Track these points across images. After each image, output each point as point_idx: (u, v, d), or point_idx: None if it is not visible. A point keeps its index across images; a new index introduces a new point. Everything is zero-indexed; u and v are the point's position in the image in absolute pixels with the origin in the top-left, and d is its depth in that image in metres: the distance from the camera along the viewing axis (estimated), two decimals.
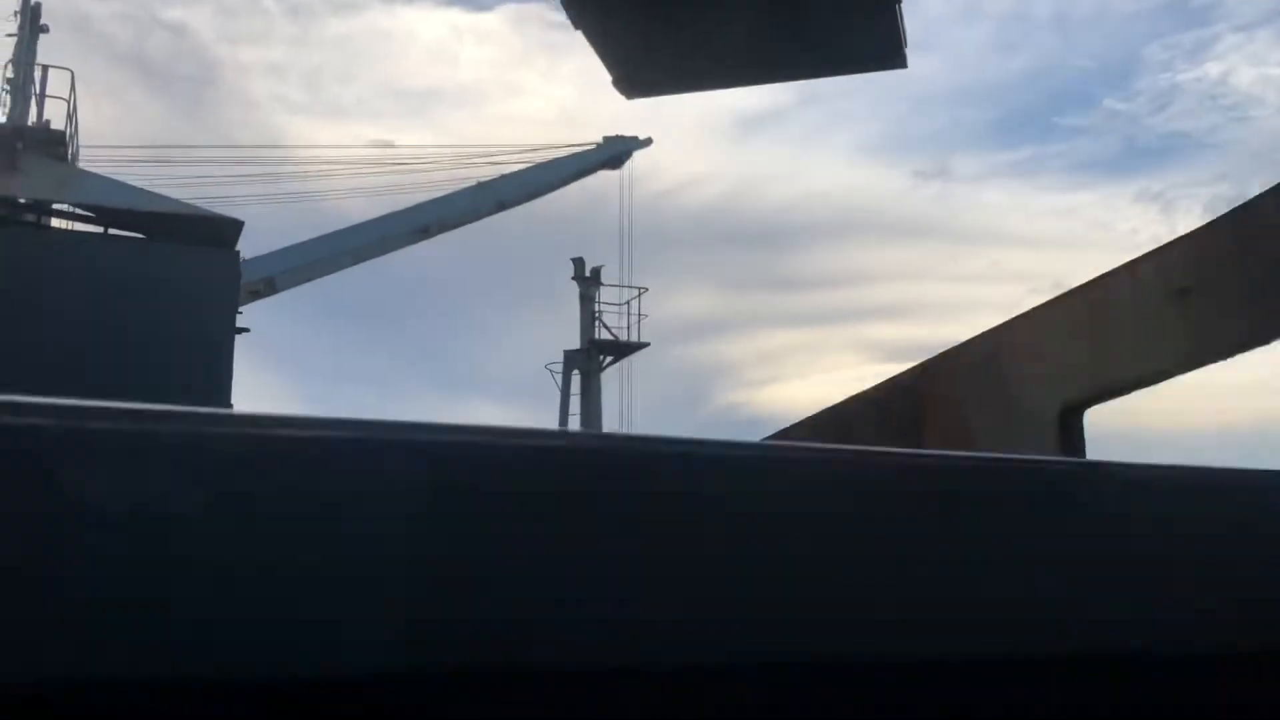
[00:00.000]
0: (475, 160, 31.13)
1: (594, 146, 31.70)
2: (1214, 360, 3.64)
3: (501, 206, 30.60)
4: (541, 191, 31.44)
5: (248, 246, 32.88)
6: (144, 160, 30.93)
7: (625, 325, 30.92)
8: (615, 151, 31.81)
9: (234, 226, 22.11)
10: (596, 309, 30.96)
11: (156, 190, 23.97)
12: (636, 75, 6.32)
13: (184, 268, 21.02)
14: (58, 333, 19.04)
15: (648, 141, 32.80)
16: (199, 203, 30.03)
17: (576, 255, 31.43)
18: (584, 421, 30.51)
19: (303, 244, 34.15)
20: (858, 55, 6.23)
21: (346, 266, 35.24)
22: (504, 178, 30.37)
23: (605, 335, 30.85)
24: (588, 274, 31.23)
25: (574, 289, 31.40)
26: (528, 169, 30.92)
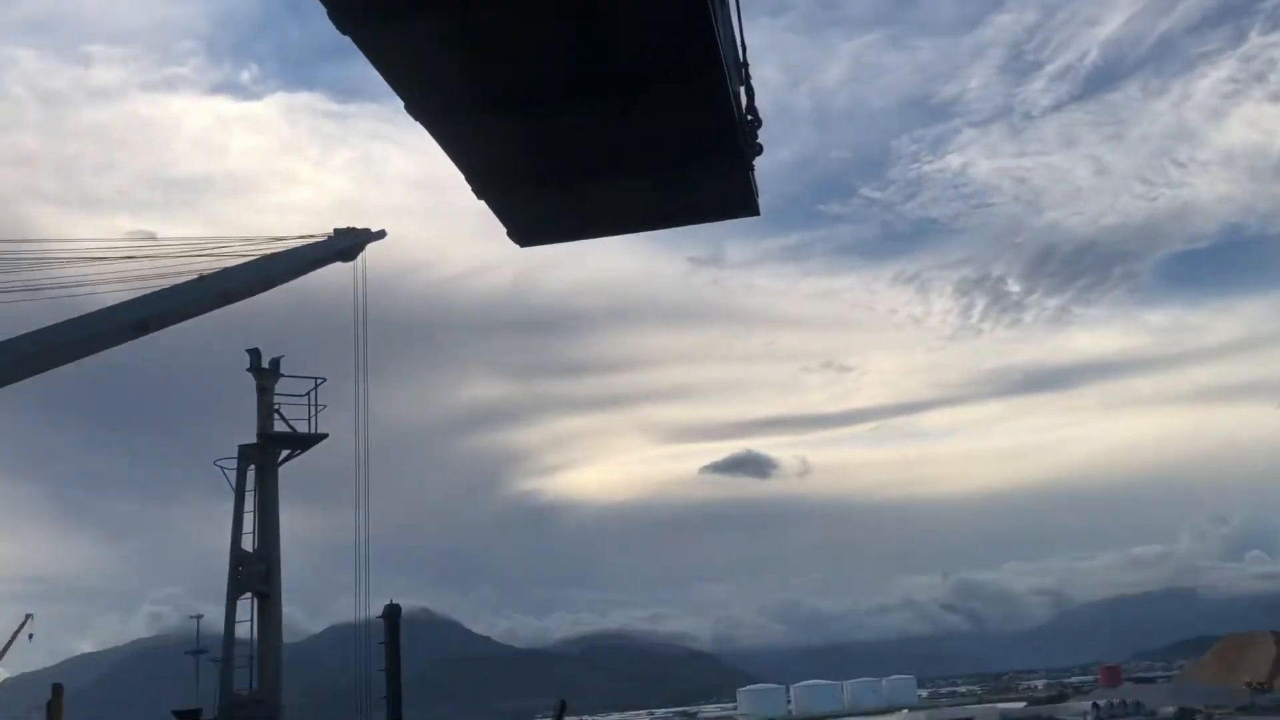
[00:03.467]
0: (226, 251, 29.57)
1: (324, 238, 30.10)
2: None
3: (228, 299, 29.03)
4: (272, 283, 29.73)
5: None
6: None
7: (307, 417, 28.63)
8: (347, 244, 30.25)
9: None
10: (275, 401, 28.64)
11: None
12: (530, 231, 7.16)
13: None
14: None
15: (380, 234, 31.04)
16: None
17: (257, 348, 29.45)
18: (259, 518, 27.96)
19: (3, 342, 32.14)
20: (719, 206, 6.88)
21: (56, 365, 33.03)
22: (227, 270, 28.65)
23: (283, 428, 28.54)
24: (265, 365, 29.12)
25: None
26: (253, 261, 29.26)
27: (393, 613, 23.43)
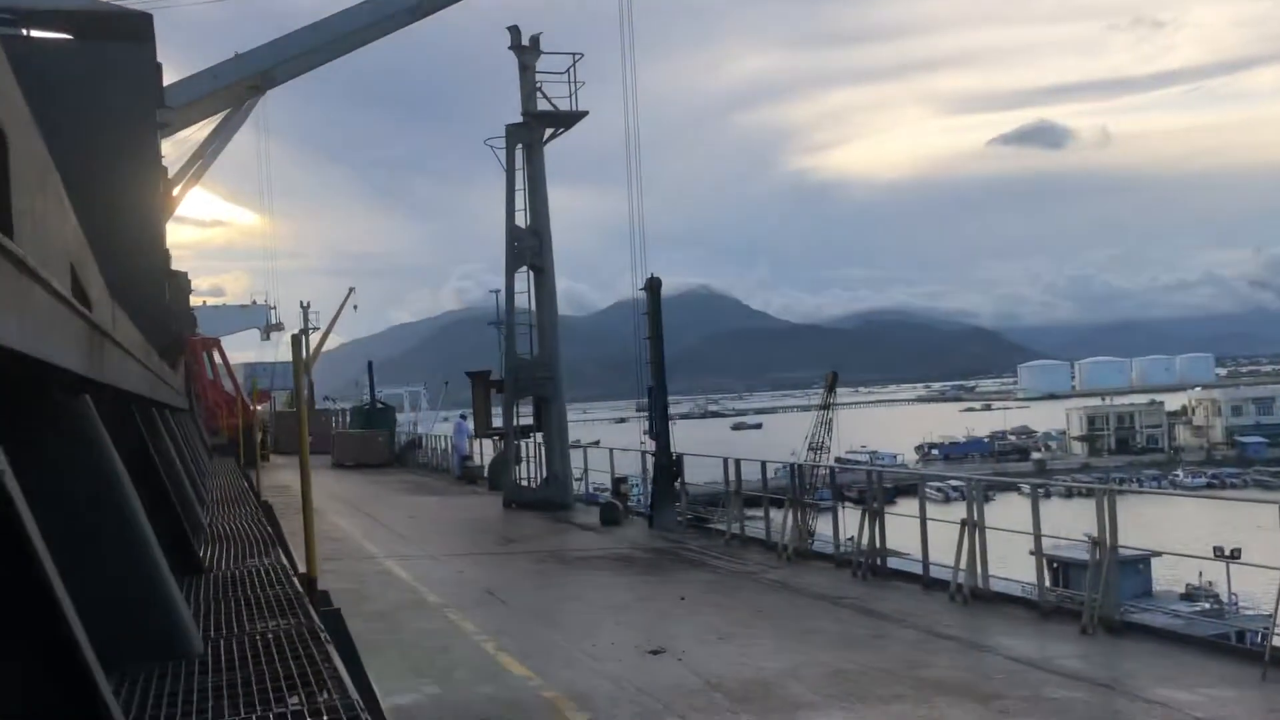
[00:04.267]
0: None
1: None
2: None
3: None
4: None
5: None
6: None
7: (568, 95, 28.40)
8: None
9: (145, 20, 21.97)
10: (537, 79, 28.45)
11: None
12: None
13: (109, 67, 21.03)
14: None
15: None
16: None
17: (515, 26, 28.59)
18: (531, 196, 28.52)
19: (294, 33, 34.70)
20: None
21: (343, 53, 35.69)
22: None
23: (545, 106, 28.44)
24: (525, 43, 28.45)
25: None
26: None
27: (653, 285, 24.32)
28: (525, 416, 28.99)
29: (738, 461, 21.39)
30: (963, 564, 14.64)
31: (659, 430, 23.86)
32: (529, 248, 28.50)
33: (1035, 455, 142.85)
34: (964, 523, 14.72)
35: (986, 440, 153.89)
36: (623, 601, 14.68)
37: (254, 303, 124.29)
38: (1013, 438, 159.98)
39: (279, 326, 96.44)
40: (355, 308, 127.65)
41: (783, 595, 15.25)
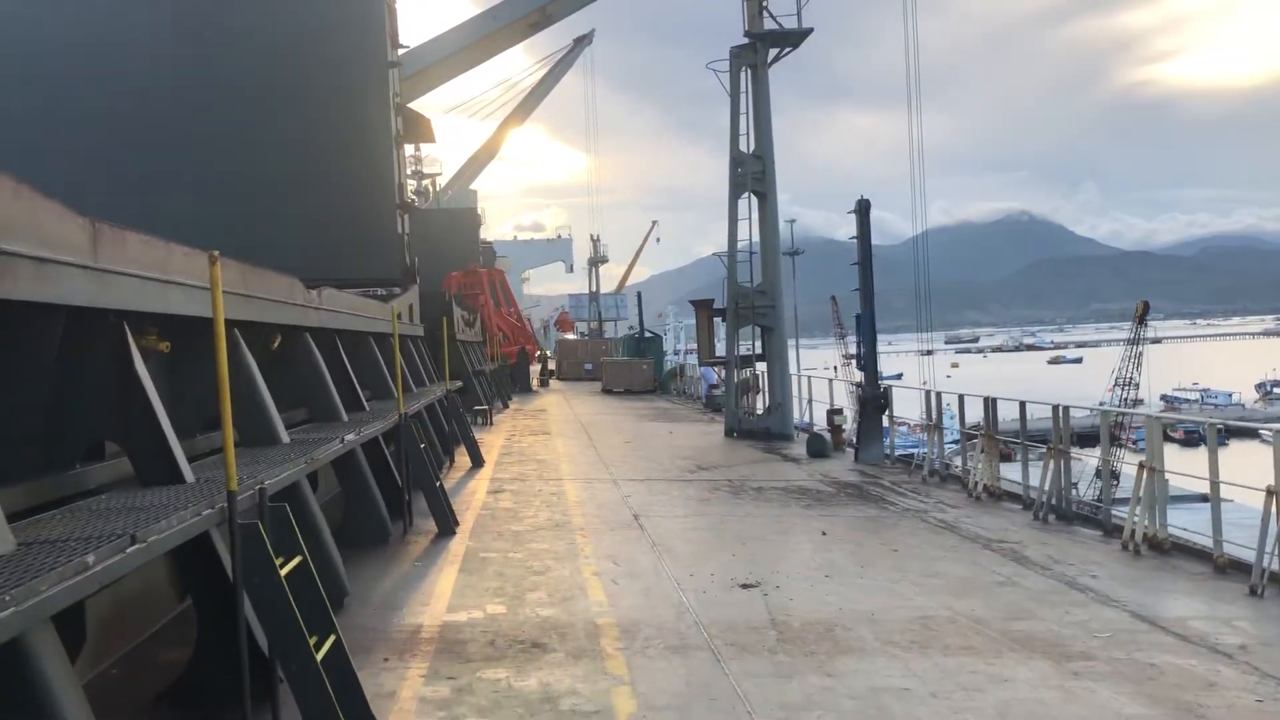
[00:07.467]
0: None
1: None
2: None
3: None
4: None
5: None
6: None
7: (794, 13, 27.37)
8: None
9: None
10: None
11: None
12: None
13: (339, 10, 25.19)
14: (236, 68, 24.01)
15: None
16: None
17: None
18: (755, 119, 27.74)
19: None
20: None
21: None
22: None
23: (770, 25, 27.48)
24: None
25: None
26: None
27: (862, 207, 23.15)
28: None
29: (939, 395, 20.24)
30: (1138, 510, 13.17)
31: (867, 361, 22.91)
32: (752, 173, 27.93)
33: None
34: (1141, 465, 13.21)
35: None
36: (760, 533, 14.29)
37: (559, 237, 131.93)
38: None
39: (604, 259, 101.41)
40: (658, 240, 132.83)
41: (935, 535, 14.31)
